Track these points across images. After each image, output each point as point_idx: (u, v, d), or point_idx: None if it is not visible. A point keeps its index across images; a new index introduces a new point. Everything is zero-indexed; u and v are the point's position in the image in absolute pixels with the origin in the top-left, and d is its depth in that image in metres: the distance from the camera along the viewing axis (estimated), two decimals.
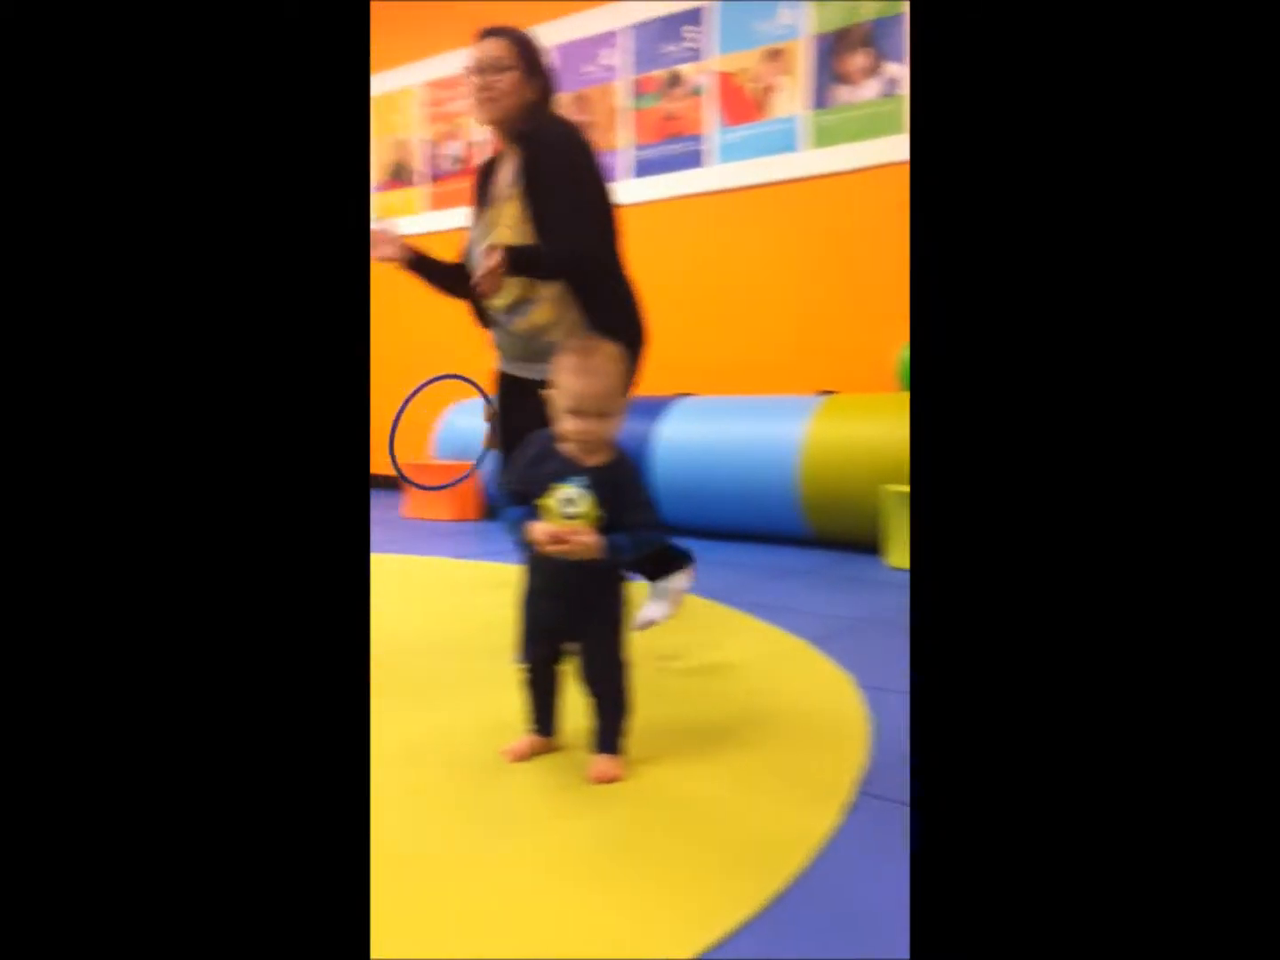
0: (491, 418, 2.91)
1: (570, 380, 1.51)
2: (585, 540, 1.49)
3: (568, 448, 1.55)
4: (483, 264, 1.98)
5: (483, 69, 2.09)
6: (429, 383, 3.36)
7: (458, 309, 2.33)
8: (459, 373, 2.98)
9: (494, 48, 2.09)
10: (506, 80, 2.08)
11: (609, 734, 1.58)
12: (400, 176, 5.79)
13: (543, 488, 1.54)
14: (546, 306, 2.09)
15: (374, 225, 2.22)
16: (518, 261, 2.00)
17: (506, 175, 2.15)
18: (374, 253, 2.22)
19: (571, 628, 1.60)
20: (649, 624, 2.28)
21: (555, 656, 1.63)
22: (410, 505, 4.74)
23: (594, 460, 1.54)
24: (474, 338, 2.42)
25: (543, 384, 2.07)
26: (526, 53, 2.11)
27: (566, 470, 1.53)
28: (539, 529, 1.51)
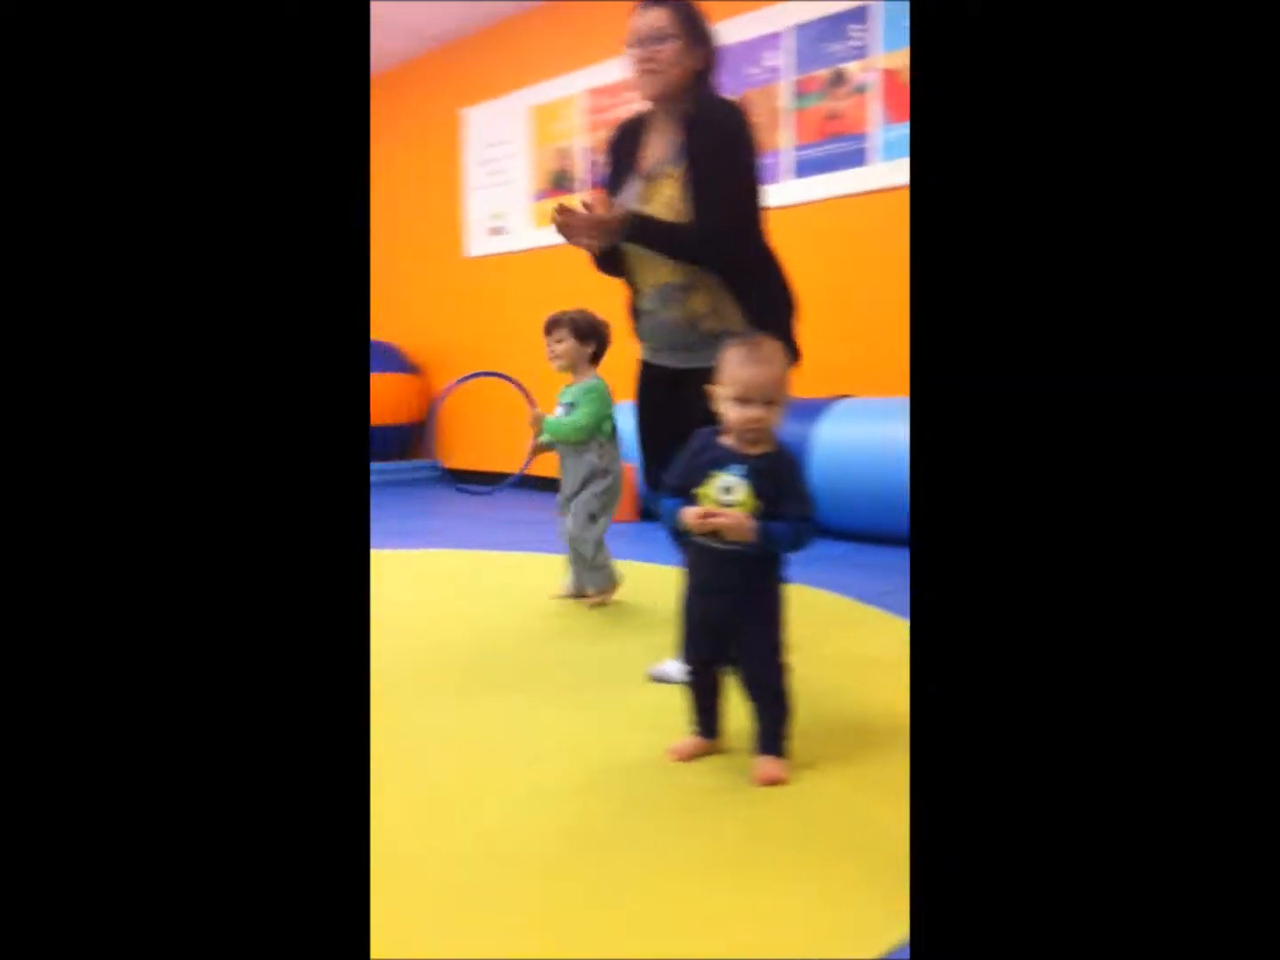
0: (536, 421, 2.78)
1: (738, 369, 1.50)
2: (738, 520, 1.48)
3: (728, 439, 1.54)
4: (602, 214, 1.88)
5: (643, 40, 1.98)
6: (467, 379, 3.37)
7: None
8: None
9: (655, 17, 1.98)
10: (669, 50, 1.97)
11: (770, 736, 1.56)
12: (561, 184, 5.90)
13: (701, 476, 1.53)
14: (703, 294, 2.02)
15: (581, 210, 2.00)
16: (636, 228, 1.92)
17: (661, 149, 2.05)
18: (576, 240, 2.02)
19: (731, 627, 1.58)
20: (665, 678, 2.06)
21: (716, 657, 1.62)
22: None
23: (755, 450, 1.52)
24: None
25: (690, 373, 2.01)
26: (689, 20, 1.99)
27: (726, 459, 1.52)
28: (691, 512, 1.51)
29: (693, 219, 1.97)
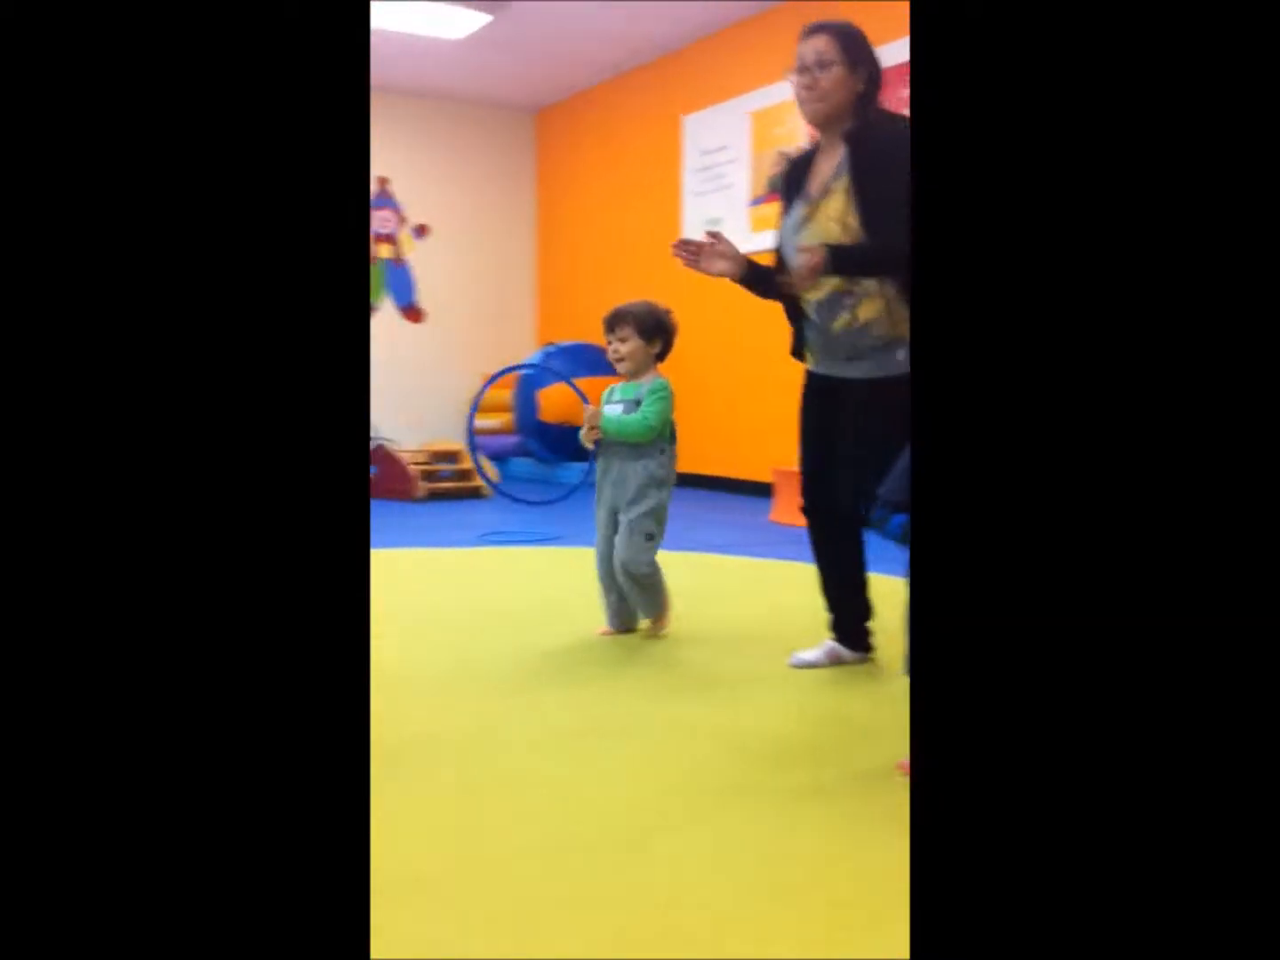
0: (593, 418, 2.51)
1: None
2: None
3: None
4: (802, 260, 1.95)
5: (805, 67, 2.05)
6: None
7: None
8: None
9: (817, 44, 2.04)
10: (830, 77, 2.03)
11: None
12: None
13: None
14: (872, 301, 2.02)
15: (707, 239, 2.15)
16: (839, 259, 1.96)
17: (827, 168, 2.09)
18: (709, 268, 2.17)
19: None
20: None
21: None
22: (777, 511, 4.80)
23: None
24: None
25: (863, 384, 2.04)
26: (849, 45, 2.04)
27: None
28: None
29: (862, 232, 1.99)
